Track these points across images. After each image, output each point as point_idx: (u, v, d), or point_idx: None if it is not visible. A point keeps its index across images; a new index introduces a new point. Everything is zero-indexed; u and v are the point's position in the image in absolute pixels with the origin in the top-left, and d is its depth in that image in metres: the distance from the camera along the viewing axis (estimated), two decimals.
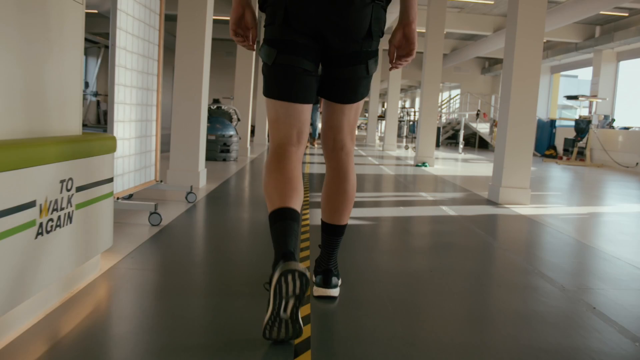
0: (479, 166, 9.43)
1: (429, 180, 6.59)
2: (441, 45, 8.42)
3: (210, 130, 7.37)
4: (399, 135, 17.33)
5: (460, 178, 7.17)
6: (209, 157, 7.34)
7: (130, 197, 3.92)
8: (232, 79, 9.52)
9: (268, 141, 11.78)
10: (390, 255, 2.83)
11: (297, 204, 1.68)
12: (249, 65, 9.22)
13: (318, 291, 2.01)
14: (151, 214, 3.08)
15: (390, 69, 1.91)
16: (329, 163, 1.97)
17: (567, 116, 16.03)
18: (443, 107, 20.80)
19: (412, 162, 9.08)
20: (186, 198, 3.94)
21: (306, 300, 1.97)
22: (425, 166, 8.32)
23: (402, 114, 17.89)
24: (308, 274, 1.54)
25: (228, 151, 7.50)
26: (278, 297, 1.48)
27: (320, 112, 11.83)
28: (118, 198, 3.12)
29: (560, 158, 11.89)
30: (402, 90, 24.05)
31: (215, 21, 14.36)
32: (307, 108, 1.82)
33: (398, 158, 10.22)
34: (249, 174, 6.35)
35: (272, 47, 1.74)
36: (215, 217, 3.68)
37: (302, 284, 1.47)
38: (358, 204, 4.34)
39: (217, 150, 7.42)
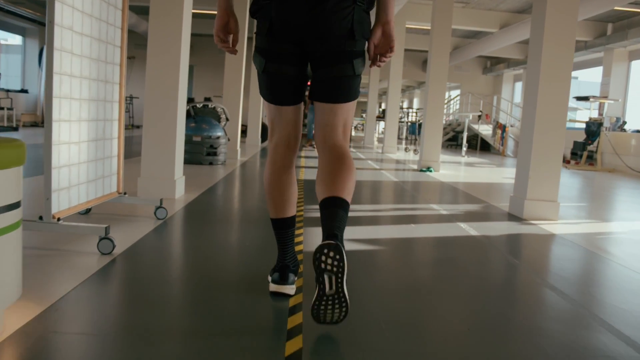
0: (486, 171, 8.79)
1: (438, 188, 5.93)
2: (448, 42, 7.78)
3: (195, 130, 6.70)
4: (398, 137, 16.68)
5: (471, 185, 6.51)
6: (194, 161, 6.67)
7: (88, 211, 3.27)
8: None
9: (262, 142, 11.16)
10: (408, 300, 2.15)
11: (292, 211, 2.01)
12: (239, 62, 8.54)
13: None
14: (101, 239, 2.41)
15: (371, 65, 1.94)
16: (322, 153, 1.89)
17: (569, 118, 15.41)
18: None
19: (415, 167, 8.43)
20: (155, 214, 3.28)
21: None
22: (431, 171, 7.66)
23: (402, 115, 17.25)
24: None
25: (215, 154, 6.83)
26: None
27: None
28: (59, 219, 2.45)
29: (568, 162, 11.27)
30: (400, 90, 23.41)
31: (207, 16, 13.72)
32: (297, 108, 1.98)
33: (400, 162, 9.56)
34: (237, 180, 5.66)
35: (261, 56, 1.87)
36: (187, 240, 3.00)
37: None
38: (357, 220, 3.68)
39: (203, 153, 6.74)
